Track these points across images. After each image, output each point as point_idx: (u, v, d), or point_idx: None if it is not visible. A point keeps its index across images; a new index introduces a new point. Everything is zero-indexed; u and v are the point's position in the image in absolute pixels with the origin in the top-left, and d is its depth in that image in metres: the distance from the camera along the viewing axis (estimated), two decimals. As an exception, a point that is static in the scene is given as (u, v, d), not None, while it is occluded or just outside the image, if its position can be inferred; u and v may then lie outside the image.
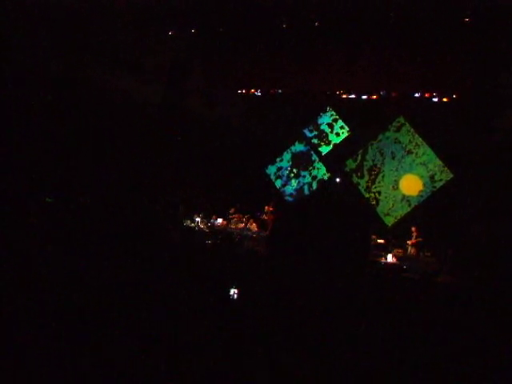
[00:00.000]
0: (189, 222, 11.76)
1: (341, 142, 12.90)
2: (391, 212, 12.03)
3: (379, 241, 10.76)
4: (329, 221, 7.07)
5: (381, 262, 9.85)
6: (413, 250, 10.36)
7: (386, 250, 10.42)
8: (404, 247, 10.54)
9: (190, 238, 10.18)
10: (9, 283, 4.74)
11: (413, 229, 10.52)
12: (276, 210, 11.64)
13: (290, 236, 7.37)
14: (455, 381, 4.05)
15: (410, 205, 11.86)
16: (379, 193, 12.28)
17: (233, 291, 5.67)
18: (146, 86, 11.41)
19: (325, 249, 6.63)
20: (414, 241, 10.40)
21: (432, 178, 11.64)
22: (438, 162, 11.58)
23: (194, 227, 11.55)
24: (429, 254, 10.09)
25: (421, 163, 11.85)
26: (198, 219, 11.93)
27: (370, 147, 12.52)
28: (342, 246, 6.72)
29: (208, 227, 11.77)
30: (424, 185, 11.76)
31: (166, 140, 11.70)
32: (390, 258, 9.95)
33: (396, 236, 11.00)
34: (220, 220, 12.34)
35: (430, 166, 11.69)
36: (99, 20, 10.20)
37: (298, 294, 5.62)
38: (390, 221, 11.99)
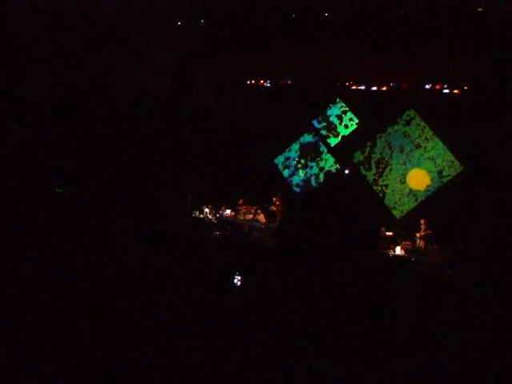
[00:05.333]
0: (197, 212, 11.79)
1: (350, 133, 12.89)
2: (398, 206, 12.00)
3: (387, 233, 10.74)
4: (338, 212, 7.05)
5: (389, 255, 9.86)
6: (421, 243, 10.32)
7: (394, 242, 10.41)
8: (413, 240, 10.52)
9: (199, 228, 10.21)
10: (17, 275, 4.75)
11: (422, 221, 10.48)
12: (284, 201, 11.65)
13: (298, 227, 7.36)
14: (464, 376, 4.05)
15: (416, 199, 11.82)
16: (386, 186, 12.24)
17: (237, 279, 5.69)
18: (155, 77, 11.40)
19: (333, 240, 6.62)
20: (422, 233, 10.36)
21: (440, 173, 11.59)
22: (447, 156, 11.53)
23: (203, 218, 11.58)
24: (438, 246, 10.07)
25: (429, 158, 11.80)
26: (206, 210, 11.96)
27: (378, 140, 12.48)
28: (351, 238, 6.71)
29: (216, 218, 11.80)
30: (432, 179, 11.71)
31: (174, 131, 11.69)
32: (398, 251, 9.93)
33: (404, 228, 10.98)
34: (228, 211, 12.36)
35: (439, 161, 11.64)
36: (108, 11, 10.19)
37: (306, 285, 5.62)
38: (396, 214, 11.97)
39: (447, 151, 11.54)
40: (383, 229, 10.73)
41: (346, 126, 12.90)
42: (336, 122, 13.04)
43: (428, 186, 11.74)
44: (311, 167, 13.27)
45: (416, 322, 5.07)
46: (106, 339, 3.93)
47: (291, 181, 13.44)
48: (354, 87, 11.74)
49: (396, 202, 12.04)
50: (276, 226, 10.77)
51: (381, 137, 12.47)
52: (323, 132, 13.23)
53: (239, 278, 5.78)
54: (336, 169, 12.94)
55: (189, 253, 6.87)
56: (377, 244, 9.02)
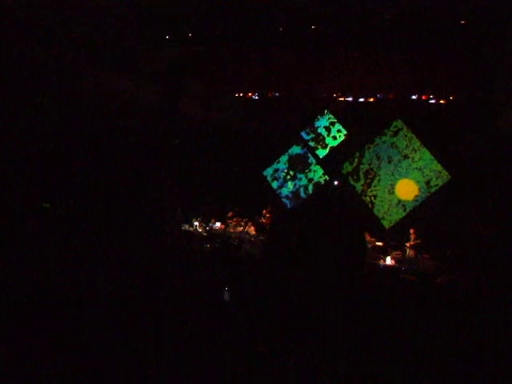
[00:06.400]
0: (187, 226, 11.71)
1: (338, 145, 12.95)
2: (386, 216, 12.05)
3: (378, 243, 10.77)
4: (325, 224, 7.06)
5: (379, 265, 9.88)
6: (411, 252, 10.36)
7: (384, 252, 10.45)
8: (403, 249, 10.54)
9: (189, 241, 10.15)
10: (7, 287, 4.69)
11: (411, 231, 10.54)
12: (273, 213, 11.64)
13: (286, 239, 7.34)
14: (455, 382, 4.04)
15: (405, 209, 11.89)
16: (375, 196, 12.30)
17: (226, 293, 5.65)
18: (143, 89, 11.38)
19: (321, 251, 6.61)
20: (412, 243, 10.41)
21: (428, 183, 11.70)
22: (435, 167, 11.64)
23: (192, 231, 11.50)
24: (427, 255, 10.11)
25: (417, 168, 11.90)
26: (196, 223, 11.90)
27: (366, 151, 12.56)
28: (338, 249, 6.70)
29: (206, 231, 11.73)
30: (419, 190, 11.80)
31: (163, 143, 11.64)
32: (388, 261, 9.96)
33: (394, 238, 11.02)
34: (218, 224, 12.30)
35: (426, 172, 11.75)
36: (96, 22, 10.18)
37: (294, 297, 5.59)
38: (385, 224, 12.01)
39: (434, 161, 11.65)
40: (373, 239, 10.78)
41: (335, 138, 12.96)
42: (324, 133, 13.11)
43: (416, 196, 11.82)
44: (300, 179, 13.29)
45: (408, 330, 5.06)
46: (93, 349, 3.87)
47: (280, 193, 13.44)
48: (342, 99, 11.84)
49: (385, 213, 12.10)
50: (264, 238, 10.74)
51: (369, 148, 12.56)
52: (312, 143, 13.28)
53: (229, 292, 5.75)
54: (325, 180, 12.98)
55: (178, 266, 6.82)
56: (365, 254, 9.02)
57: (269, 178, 13.62)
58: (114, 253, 6.53)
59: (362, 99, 11.51)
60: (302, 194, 13.17)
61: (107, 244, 7.06)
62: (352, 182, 12.59)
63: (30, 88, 10.01)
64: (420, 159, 11.88)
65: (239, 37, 10.52)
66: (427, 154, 11.76)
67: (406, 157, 12.08)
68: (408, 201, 11.91)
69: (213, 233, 11.68)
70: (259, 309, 5.24)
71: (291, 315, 5.07)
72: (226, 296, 5.69)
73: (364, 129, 12.49)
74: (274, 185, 13.54)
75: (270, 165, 13.67)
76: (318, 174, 13.10)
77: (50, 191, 9.72)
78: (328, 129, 13.04)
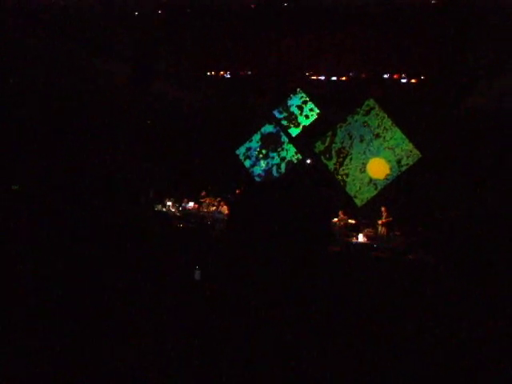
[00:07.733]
0: (160, 206, 11.63)
1: (310, 123, 12.97)
2: (358, 194, 12.20)
3: (350, 221, 10.91)
4: (288, 203, 7.06)
5: (352, 242, 10.02)
6: (383, 230, 10.52)
7: (357, 229, 10.59)
8: (375, 227, 10.71)
9: (162, 222, 10.08)
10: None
11: (383, 209, 10.70)
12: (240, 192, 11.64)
13: (248, 217, 7.34)
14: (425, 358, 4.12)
15: (376, 188, 12.05)
16: (347, 175, 12.42)
17: (197, 273, 5.66)
18: (113, 67, 11.15)
19: (282, 230, 6.63)
20: (384, 220, 10.58)
21: (399, 162, 11.86)
22: (406, 146, 11.80)
23: (166, 211, 11.43)
24: (399, 233, 10.29)
25: (388, 147, 12.04)
26: (169, 203, 11.81)
27: (338, 130, 12.63)
28: (301, 228, 6.72)
29: (179, 211, 11.67)
30: (391, 169, 11.96)
31: (134, 123, 11.46)
32: (360, 238, 10.11)
33: (366, 216, 11.17)
34: (191, 204, 12.24)
35: (397, 151, 11.90)
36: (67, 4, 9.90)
37: (258, 275, 5.62)
38: (357, 202, 12.17)
39: (406, 140, 11.81)
40: (345, 217, 10.91)
41: (307, 117, 12.98)
42: (297, 112, 13.11)
43: (387, 174, 11.97)
44: (272, 157, 13.30)
45: (378, 306, 5.14)
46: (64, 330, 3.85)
47: (253, 171, 13.43)
48: (315, 77, 11.82)
49: (357, 191, 12.24)
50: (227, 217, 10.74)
51: (341, 126, 12.62)
52: (284, 122, 13.27)
53: (200, 271, 5.75)
54: (297, 159, 13.02)
55: (151, 246, 6.79)
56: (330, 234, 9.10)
57: (241, 157, 13.59)
58: (86, 235, 6.44)
59: (334, 78, 11.52)
60: (275, 173, 13.19)
61: (77, 227, 6.95)
62: (324, 161, 12.66)
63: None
64: (391, 138, 12.01)
65: (210, 15, 10.35)
66: (398, 133, 11.91)
67: (377, 136, 12.19)
68: (379, 179, 12.06)
69: (186, 213, 11.63)
70: (231, 287, 5.25)
71: (261, 292, 5.09)
72: (197, 275, 5.70)
73: (336, 108, 12.52)
74: (247, 164, 13.51)
75: (242, 144, 13.62)
76: (290, 152, 13.13)
77: (19, 173, 9.50)
78: (300, 107, 13.04)
